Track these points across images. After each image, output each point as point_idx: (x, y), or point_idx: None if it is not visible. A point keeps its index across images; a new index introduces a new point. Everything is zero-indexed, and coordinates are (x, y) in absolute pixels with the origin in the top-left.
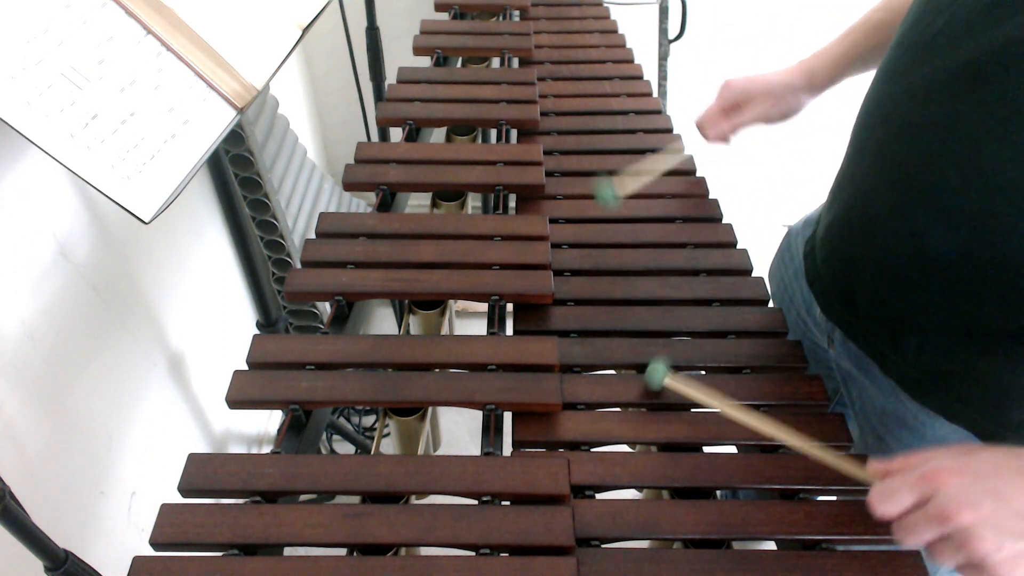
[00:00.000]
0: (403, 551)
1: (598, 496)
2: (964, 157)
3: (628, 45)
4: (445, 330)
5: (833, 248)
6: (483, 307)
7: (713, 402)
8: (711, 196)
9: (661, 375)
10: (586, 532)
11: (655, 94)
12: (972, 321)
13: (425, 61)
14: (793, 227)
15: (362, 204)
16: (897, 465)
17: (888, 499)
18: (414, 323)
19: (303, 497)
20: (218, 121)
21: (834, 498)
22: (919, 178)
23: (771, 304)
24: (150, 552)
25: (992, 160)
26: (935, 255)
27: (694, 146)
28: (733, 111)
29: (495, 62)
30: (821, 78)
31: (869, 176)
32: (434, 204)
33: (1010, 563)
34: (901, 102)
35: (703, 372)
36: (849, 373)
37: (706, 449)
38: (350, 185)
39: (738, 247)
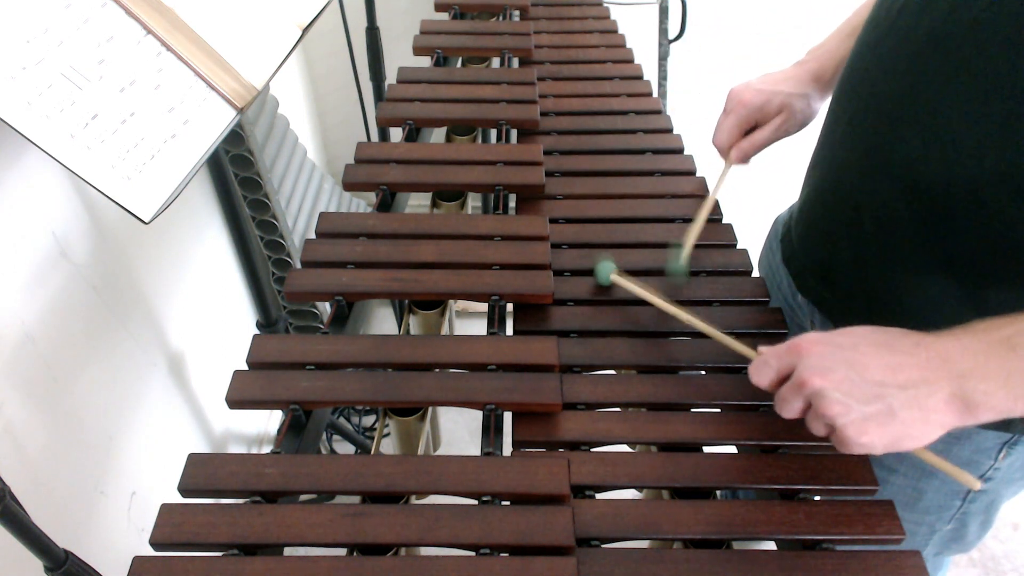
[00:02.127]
0: (403, 551)
1: (598, 496)
2: (925, 125)
3: (628, 45)
4: (445, 330)
5: (808, 224)
6: (483, 307)
7: (656, 300)
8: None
9: (608, 271)
10: (586, 532)
11: (655, 94)
12: (937, 293)
13: (425, 61)
14: (780, 216)
15: (362, 204)
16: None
17: (761, 369)
18: (414, 323)
19: (303, 497)
20: (218, 121)
21: (834, 498)
22: (884, 147)
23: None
24: (150, 552)
25: (951, 128)
26: (899, 226)
27: (694, 146)
28: (749, 129)
29: (495, 62)
30: (830, 81)
31: (841, 149)
32: (434, 204)
33: (856, 426)
34: (870, 74)
35: (703, 372)
36: None
37: (706, 449)
38: (350, 185)
39: (738, 247)
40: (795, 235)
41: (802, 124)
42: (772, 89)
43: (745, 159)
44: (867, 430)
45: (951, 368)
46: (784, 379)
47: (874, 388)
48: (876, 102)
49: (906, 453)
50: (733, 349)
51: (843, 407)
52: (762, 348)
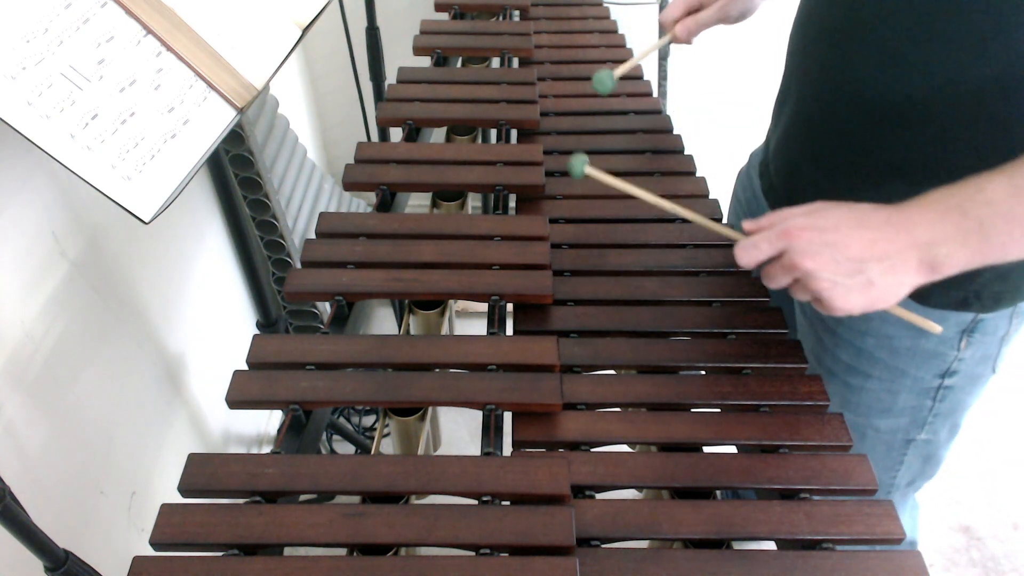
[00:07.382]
0: (403, 551)
1: (598, 496)
2: (872, 49)
3: (628, 45)
4: (445, 330)
5: (783, 156)
6: (483, 307)
7: (630, 189)
8: (711, 196)
9: (582, 164)
10: (586, 532)
11: (655, 94)
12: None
13: (425, 61)
14: (755, 151)
15: (362, 204)
16: (764, 223)
17: (750, 251)
18: (414, 323)
19: (303, 497)
20: (218, 121)
21: (834, 498)
22: (835, 71)
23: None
24: (150, 552)
25: (899, 49)
26: (853, 139)
27: (694, 146)
28: (694, 10)
29: (495, 62)
30: None
31: (799, 77)
32: (434, 204)
33: (841, 297)
34: (818, 10)
35: (703, 372)
36: None
37: (706, 449)
38: (350, 185)
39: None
40: (773, 169)
41: (742, 13)
42: None
43: (688, 36)
44: (850, 298)
45: (916, 238)
46: (768, 258)
47: (855, 264)
48: (826, 33)
49: (878, 357)
50: (720, 233)
51: (830, 283)
52: (747, 225)
